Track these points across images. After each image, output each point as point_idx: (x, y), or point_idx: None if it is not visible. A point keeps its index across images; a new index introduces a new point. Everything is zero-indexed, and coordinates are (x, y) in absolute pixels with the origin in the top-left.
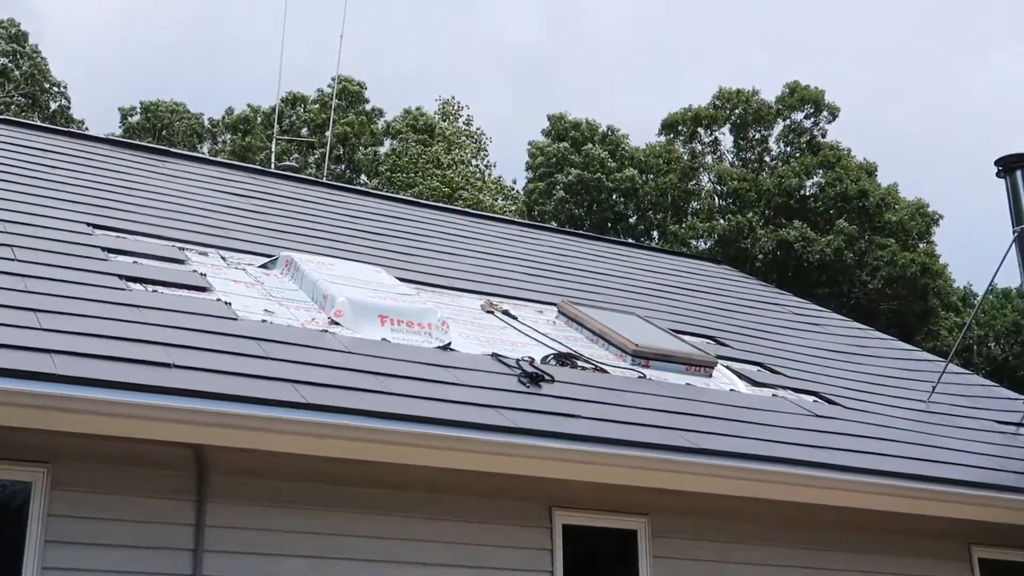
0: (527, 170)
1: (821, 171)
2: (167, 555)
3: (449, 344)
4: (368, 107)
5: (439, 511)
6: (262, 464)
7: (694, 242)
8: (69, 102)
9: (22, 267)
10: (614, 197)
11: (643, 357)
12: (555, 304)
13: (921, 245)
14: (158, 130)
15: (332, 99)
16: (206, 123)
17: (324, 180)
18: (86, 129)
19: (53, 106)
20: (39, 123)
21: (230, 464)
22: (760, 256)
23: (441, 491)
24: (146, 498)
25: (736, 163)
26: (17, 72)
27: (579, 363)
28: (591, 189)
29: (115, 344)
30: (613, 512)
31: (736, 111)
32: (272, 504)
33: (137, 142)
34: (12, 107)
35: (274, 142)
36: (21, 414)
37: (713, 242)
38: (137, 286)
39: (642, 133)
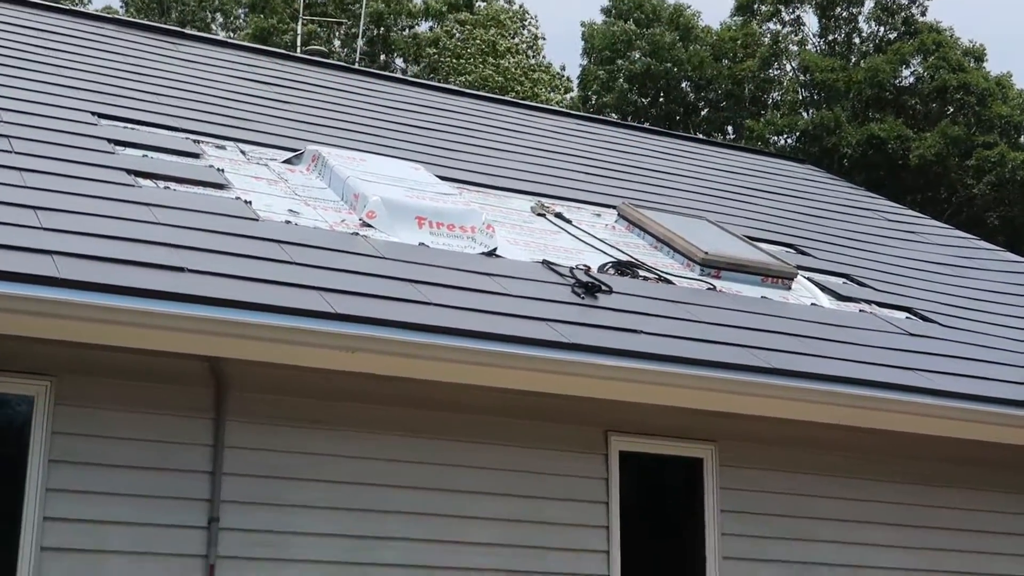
0: (582, 55)
1: (919, 58)
2: (182, 477)
3: (495, 250)
4: None
5: (482, 434)
6: (286, 380)
7: (774, 139)
8: None
9: (20, 160)
10: (684, 87)
11: (713, 266)
12: (614, 207)
13: None
14: (164, 6)
15: None
16: None
17: (356, 66)
18: (88, 3)
19: None
20: (40, 1)
21: (251, 379)
22: (849, 155)
23: (485, 412)
24: (158, 415)
25: (822, 47)
26: None
27: (640, 272)
28: (658, 77)
29: (123, 246)
30: (676, 438)
31: None
32: (298, 424)
33: (146, 22)
34: None
35: (300, 23)
36: (20, 321)
37: (795, 139)
38: (147, 182)
39: (713, 14)
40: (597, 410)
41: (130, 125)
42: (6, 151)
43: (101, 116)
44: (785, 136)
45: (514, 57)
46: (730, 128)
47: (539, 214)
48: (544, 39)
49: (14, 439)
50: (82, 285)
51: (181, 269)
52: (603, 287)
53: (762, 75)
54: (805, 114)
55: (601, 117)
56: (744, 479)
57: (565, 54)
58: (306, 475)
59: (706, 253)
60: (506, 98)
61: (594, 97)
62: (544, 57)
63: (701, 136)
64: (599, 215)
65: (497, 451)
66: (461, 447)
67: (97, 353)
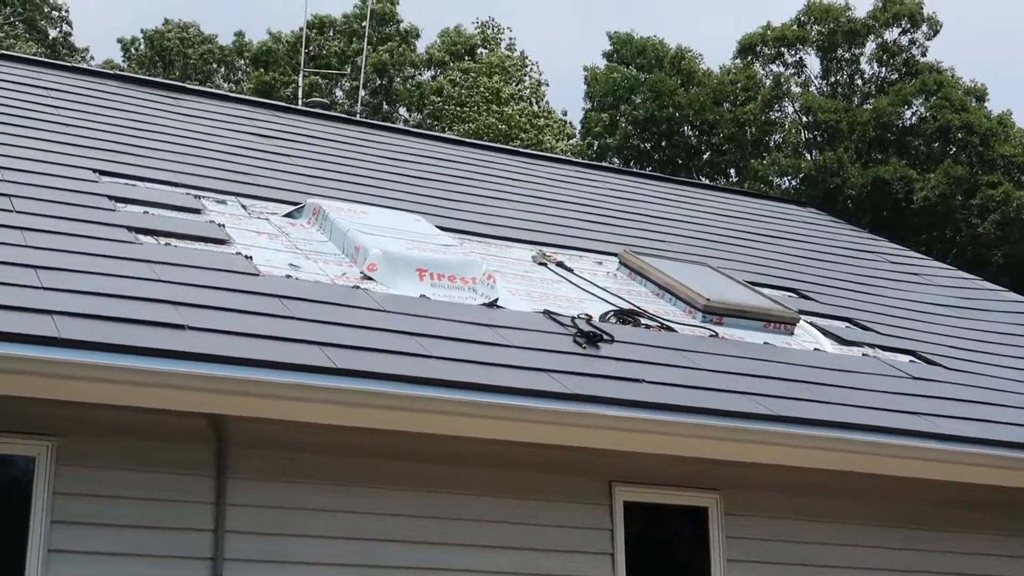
0: (585, 99)
1: (922, 98)
2: (184, 536)
3: (496, 301)
4: (402, 27)
5: (486, 487)
6: (288, 436)
7: (777, 180)
8: (71, 27)
9: (21, 219)
10: (686, 130)
11: (715, 313)
12: (616, 254)
13: None
14: (166, 59)
15: (366, 11)
16: (220, 44)
17: (357, 117)
18: (91, 59)
19: (53, 33)
20: (39, 57)
21: (252, 436)
22: (852, 197)
23: (489, 465)
24: (160, 474)
25: (824, 88)
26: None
27: (642, 320)
28: (660, 122)
29: (123, 304)
30: (681, 488)
31: (823, 28)
32: (299, 480)
33: (148, 78)
34: (5, 32)
35: (301, 75)
36: (21, 382)
37: (799, 181)
38: (148, 239)
39: (715, 59)
40: (600, 460)
41: (131, 181)
42: (7, 210)
43: (102, 173)
44: (789, 178)
45: (517, 104)
46: (732, 171)
47: (540, 263)
48: (547, 84)
49: (16, 500)
50: (82, 345)
51: (182, 327)
52: (605, 336)
53: (764, 117)
54: (808, 155)
55: (602, 164)
56: (750, 528)
57: (568, 98)
58: (308, 531)
59: (708, 300)
60: (507, 147)
61: (597, 142)
62: (547, 102)
63: (703, 181)
64: (600, 263)
65: (500, 503)
66: (463, 500)
67: (98, 412)
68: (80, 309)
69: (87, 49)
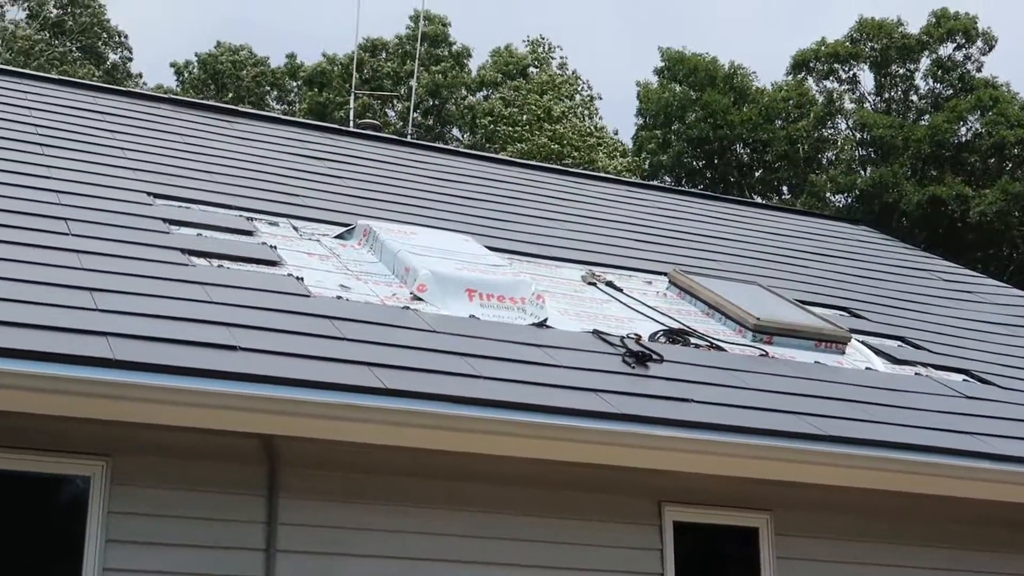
0: (637, 115)
1: (977, 114)
2: (236, 555)
3: (545, 320)
4: (454, 48)
5: (536, 507)
6: (339, 455)
7: (832, 197)
8: (131, 52)
9: (77, 242)
10: (739, 148)
11: (765, 332)
12: (666, 274)
13: None
14: (219, 82)
15: (417, 32)
16: (272, 66)
17: (408, 139)
18: (144, 84)
19: (113, 57)
20: (96, 83)
21: (303, 456)
22: (908, 214)
23: (537, 485)
24: (213, 493)
25: (878, 105)
26: (72, 23)
27: (692, 340)
28: (713, 140)
29: (177, 325)
30: (731, 508)
31: (877, 44)
32: (350, 499)
33: (202, 101)
34: (68, 60)
35: (352, 97)
36: (76, 403)
37: (854, 198)
38: (201, 261)
39: (767, 75)
40: (650, 480)
41: (185, 204)
42: (63, 233)
43: (156, 196)
44: (844, 195)
45: (569, 121)
46: (785, 188)
47: (590, 283)
48: (600, 97)
49: (72, 519)
50: (136, 366)
51: (234, 348)
52: (654, 356)
53: (817, 134)
54: (863, 172)
55: (652, 183)
56: (802, 548)
57: (620, 113)
58: (359, 550)
59: (758, 319)
60: (557, 166)
61: (649, 159)
62: (600, 119)
63: (756, 199)
64: (650, 282)
65: (549, 523)
66: (513, 520)
67: (151, 432)
68: (134, 331)
69: (140, 75)
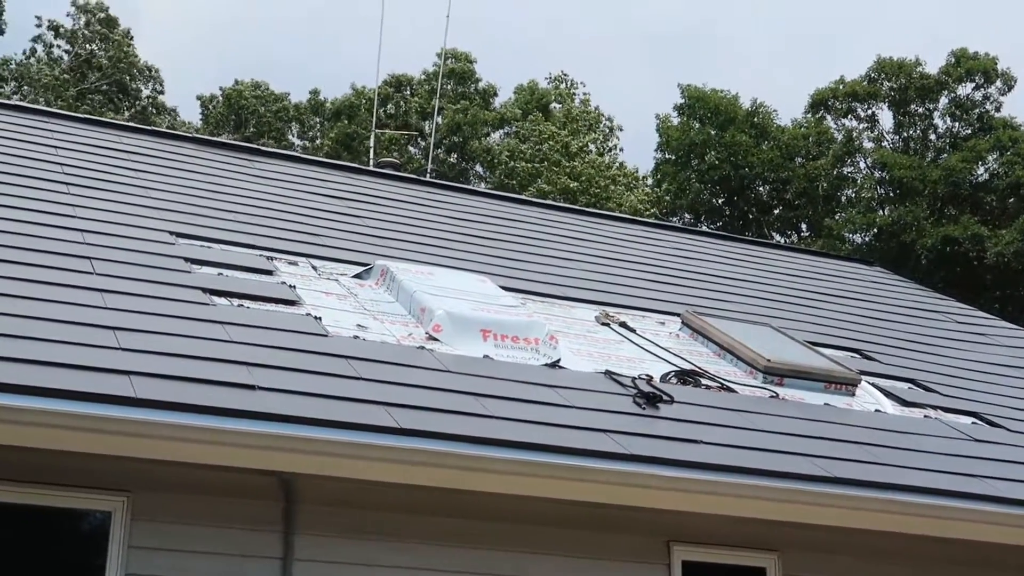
0: (657, 150)
1: (996, 154)
2: None
3: (558, 361)
4: (480, 85)
5: (544, 545)
6: (353, 493)
7: (851, 236)
8: (162, 86)
9: (101, 281)
10: (759, 185)
11: (776, 374)
12: (679, 314)
13: None
14: (243, 117)
15: (438, 81)
16: (293, 102)
17: (428, 178)
18: (177, 118)
19: (145, 91)
20: (121, 121)
21: (319, 493)
22: (926, 254)
23: (547, 523)
24: (231, 529)
25: (897, 143)
26: (105, 59)
27: (703, 381)
28: (733, 179)
29: (197, 364)
30: (739, 547)
31: (895, 84)
32: (365, 536)
33: (224, 140)
34: (99, 96)
35: (372, 136)
36: (99, 440)
37: (872, 237)
38: (221, 300)
39: (785, 111)
40: (658, 520)
41: (206, 243)
42: (88, 272)
43: (179, 235)
44: (862, 234)
45: (587, 156)
46: (804, 226)
47: (604, 323)
48: (621, 128)
49: (93, 552)
50: (157, 404)
51: (252, 387)
52: (664, 397)
53: (836, 172)
54: (882, 211)
55: (666, 223)
56: None
57: (641, 147)
58: None
59: (769, 361)
60: (572, 206)
61: (669, 195)
62: (621, 150)
63: (775, 237)
64: (663, 323)
65: (559, 562)
66: (524, 558)
67: (172, 469)
68: (156, 369)
69: (175, 109)
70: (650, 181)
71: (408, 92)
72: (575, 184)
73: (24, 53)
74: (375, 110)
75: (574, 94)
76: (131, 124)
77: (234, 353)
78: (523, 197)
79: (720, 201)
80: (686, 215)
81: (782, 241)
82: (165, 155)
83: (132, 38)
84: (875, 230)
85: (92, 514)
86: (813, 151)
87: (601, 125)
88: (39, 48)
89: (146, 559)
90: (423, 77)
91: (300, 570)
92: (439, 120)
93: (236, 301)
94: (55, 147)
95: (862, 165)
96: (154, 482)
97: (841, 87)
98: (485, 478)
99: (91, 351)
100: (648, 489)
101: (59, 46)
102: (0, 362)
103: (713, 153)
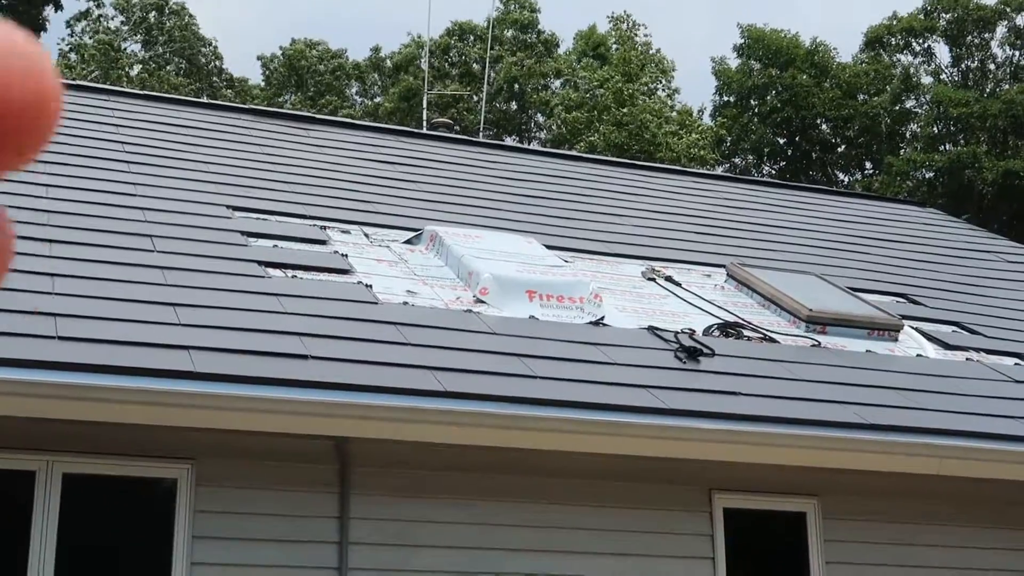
0: (715, 93)
1: None
2: (313, 548)
3: (602, 319)
4: (543, 36)
5: (589, 498)
6: (405, 454)
7: (914, 173)
8: (221, 60)
9: (161, 258)
10: (822, 125)
11: (818, 323)
12: (724, 266)
13: None
14: (301, 76)
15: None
16: (351, 61)
17: (479, 139)
18: (237, 83)
19: (203, 61)
20: (178, 96)
21: (372, 455)
22: (987, 191)
23: (591, 477)
24: (290, 492)
25: (955, 77)
26: (161, 35)
27: (745, 333)
28: (794, 119)
29: (253, 337)
30: (779, 494)
31: (951, 16)
32: (418, 495)
33: (280, 110)
34: (164, 67)
35: (424, 98)
36: (162, 413)
37: (934, 174)
38: (276, 272)
39: (842, 50)
40: (700, 470)
41: (262, 216)
42: (149, 250)
43: (235, 209)
44: (924, 170)
45: (640, 101)
46: (868, 163)
47: (650, 278)
48: (675, 70)
49: (161, 517)
50: (216, 377)
51: (305, 356)
52: (705, 350)
53: (896, 109)
54: (942, 148)
55: (714, 173)
56: (848, 531)
57: (698, 89)
58: (426, 542)
59: (811, 310)
60: (622, 160)
61: (729, 137)
62: (679, 91)
63: (838, 175)
64: (709, 275)
65: (606, 512)
66: (570, 511)
67: (232, 437)
68: (213, 343)
69: (245, 78)
70: (709, 122)
71: (471, 39)
72: (624, 133)
73: (81, 29)
74: (426, 78)
75: (634, 35)
76: (188, 99)
77: (288, 324)
78: (572, 153)
79: (782, 141)
80: (750, 157)
81: (845, 180)
82: (223, 128)
83: (192, 15)
84: (935, 168)
85: (160, 482)
86: (873, 88)
87: (663, 64)
88: (99, 21)
89: (211, 522)
90: (485, 25)
91: (356, 527)
92: (495, 71)
93: (290, 272)
94: (114, 124)
95: (922, 100)
96: (215, 450)
97: (896, 23)
98: (529, 436)
99: (154, 328)
100: (687, 442)
101: (113, 18)
102: (71, 342)
103: (774, 94)
